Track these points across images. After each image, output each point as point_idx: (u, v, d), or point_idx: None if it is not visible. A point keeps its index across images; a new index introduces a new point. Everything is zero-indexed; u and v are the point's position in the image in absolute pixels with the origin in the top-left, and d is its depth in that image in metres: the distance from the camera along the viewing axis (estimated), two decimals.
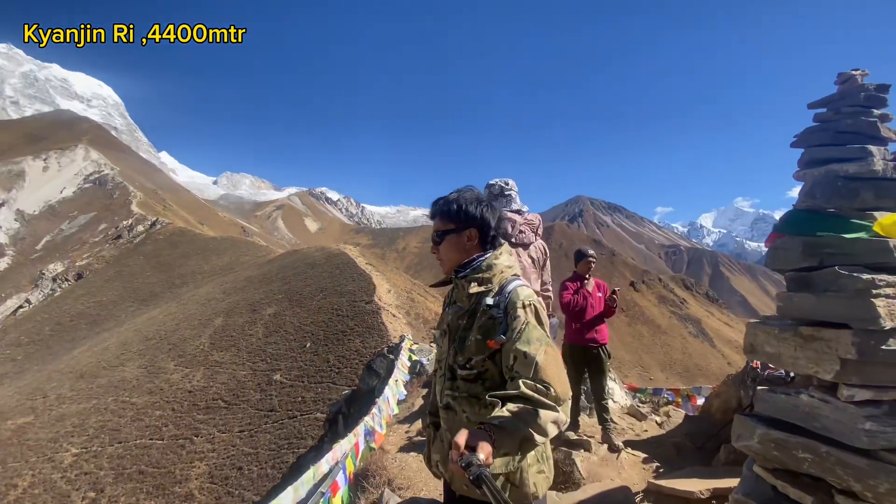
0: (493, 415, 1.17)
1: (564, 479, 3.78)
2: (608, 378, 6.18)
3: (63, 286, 42.53)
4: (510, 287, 1.45)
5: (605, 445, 4.36)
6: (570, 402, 1.28)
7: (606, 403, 4.48)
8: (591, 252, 4.54)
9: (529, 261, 2.91)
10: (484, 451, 1.03)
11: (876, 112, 1.71)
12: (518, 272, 1.56)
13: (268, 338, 19.10)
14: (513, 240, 2.82)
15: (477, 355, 1.43)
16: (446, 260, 1.55)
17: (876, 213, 1.66)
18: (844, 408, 1.53)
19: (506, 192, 2.93)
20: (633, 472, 3.98)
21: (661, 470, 3.99)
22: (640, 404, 6.95)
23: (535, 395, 1.20)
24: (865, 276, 1.53)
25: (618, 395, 6.50)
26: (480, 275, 1.49)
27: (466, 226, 1.51)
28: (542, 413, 1.18)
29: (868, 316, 1.49)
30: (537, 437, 1.16)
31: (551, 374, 1.27)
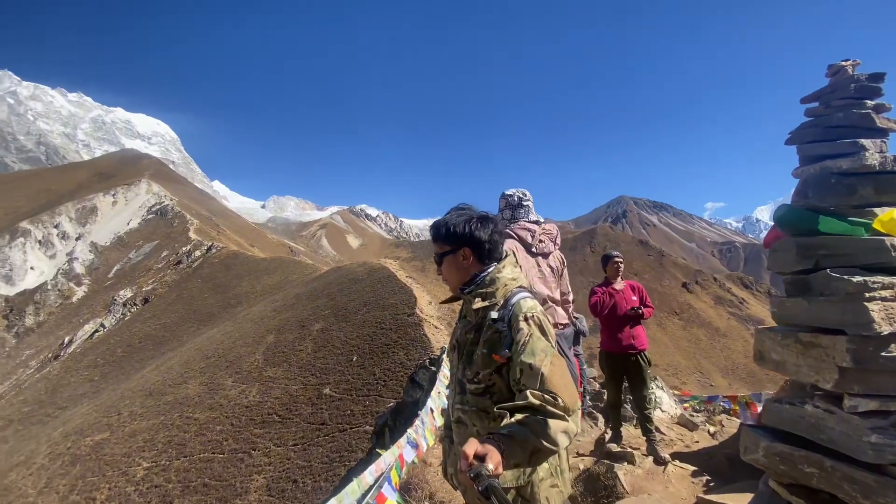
0: (502, 425, 1.17)
1: (607, 493, 3.65)
2: (654, 386, 5.93)
3: (132, 310, 45.81)
4: (514, 300, 1.45)
5: (651, 458, 4.14)
6: (579, 412, 1.30)
7: (650, 413, 4.26)
8: (615, 253, 4.44)
9: (549, 269, 2.85)
10: (493, 460, 1.01)
11: (870, 103, 1.60)
12: (524, 283, 1.57)
13: (317, 353, 19.69)
14: (533, 249, 2.77)
15: (484, 369, 1.44)
16: (449, 280, 1.60)
17: (877, 210, 1.54)
18: (849, 419, 1.42)
19: (524, 203, 2.90)
20: (680, 486, 3.75)
21: (711, 484, 3.76)
22: (694, 413, 6.54)
23: (543, 405, 1.19)
24: (857, 279, 1.42)
25: (666, 403, 6.15)
26: (484, 290, 1.50)
27: (459, 246, 1.54)
28: (551, 423, 1.17)
29: (861, 321, 1.38)
30: (547, 447, 1.14)
31: (557, 384, 1.25)
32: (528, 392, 1.23)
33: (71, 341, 42.75)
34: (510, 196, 2.91)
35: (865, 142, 1.54)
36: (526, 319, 1.38)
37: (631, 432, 4.94)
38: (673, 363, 50.94)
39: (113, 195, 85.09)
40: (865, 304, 1.38)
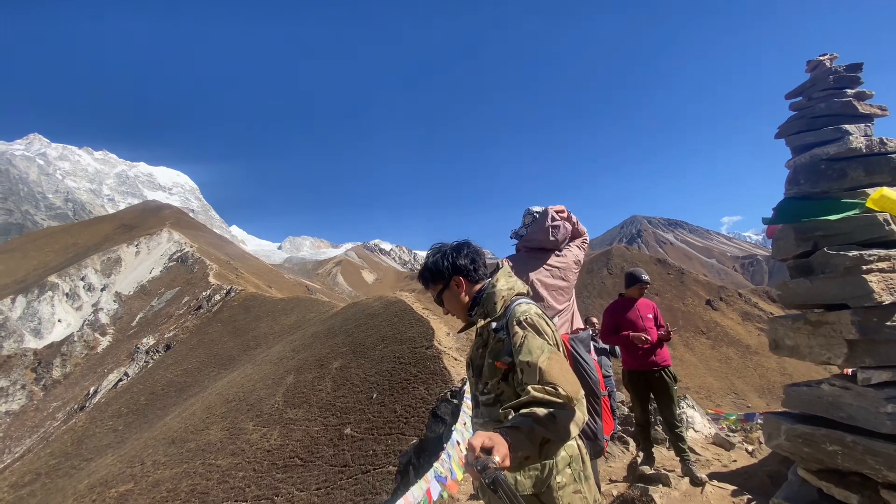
0: (507, 420, 1.18)
1: None
2: (685, 405, 5.71)
3: (155, 357, 46.30)
4: (511, 307, 1.53)
5: (687, 479, 3.96)
6: (584, 402, 1.28)
7: (682, 432, 4.09)
8: (646, 277, 4.30)
9: (559, 273, 2.70)
10: (499, 452, 1.01)
11: (850, 92, 1.65)
12: (522, 290, 1.62)
13: (336, 391, 19.49)
14: (552, 238, 2.64)
15: (491, 379, 1.50)
16: (456, 312, 1.69)
17: (868, 191, 1.56)
18: (864, 392, 1.40)
19: (535, 214, 2.81)
20: None
21: (753, 503, 3.59)
22: (730, 433, 6.24)
23: (546, 397, 1.21)
24: (853, 253, 1.44)
25: (698, 423, 5.90)
26: (483, 308, 1.60)
27: (448, 278, 1.65)
28: (555, 412, 1.18)
29: (862, 293, 1.39)
30: (556, 437, 1.14)
31: (556, 376, 1.28)
32: (529, 387, 1.26)
33: (96, 391, 43.21)
34: (533, 212, 2.84)
35: (849, 127, 1.58)
36: (519, 323, 1.43)
37: (664, 454, 4.74)
38: (705, 385, 48.95)
39: (136, 245, 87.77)
40: (864, 276, 1.40)
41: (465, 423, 5.78)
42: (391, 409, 16.24)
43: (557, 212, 2.69)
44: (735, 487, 3.90)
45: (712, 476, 4.17)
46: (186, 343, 46.99)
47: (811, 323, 1.53)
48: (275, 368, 26.34)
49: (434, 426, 6.74)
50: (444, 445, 4.62)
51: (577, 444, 1.54)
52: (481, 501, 4.66)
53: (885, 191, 1.45)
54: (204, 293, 58.57)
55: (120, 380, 44.48)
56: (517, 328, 1.43)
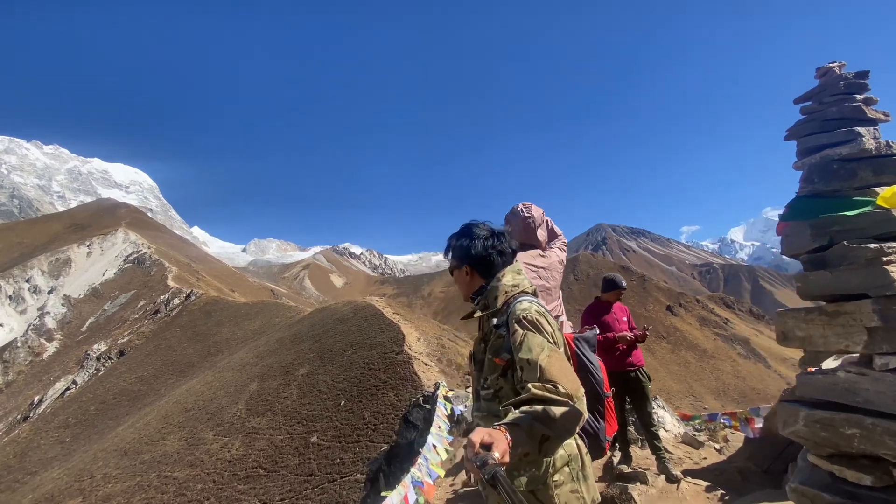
0: (507, 417, 1.18)
1: None
2: (656, 405, 5.92)
3: (106, 365, 43.88)
4: (513, 304, 1.53)
5: (663, 476, 4.12)
6: (584, 399, 1.28)
7: (657, 431, 4.27)
8: (623, 284, 4.46)
9: (559, 257, 2.80)
10: (499, 448, 1.00)
11: (859, 97, 1.75)
12: (527, 288, 1.61)
13: (302, 399, 19.00)
14: (532, 226, 2.69)
15: (491, 374, 1.51)
16: (460, 289, 1.72)
17: (877, 189, 1.66)
18: (882, 377, 1.49)
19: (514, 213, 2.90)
20: (695, 502, 3.78)
21: (726, 497, 3.78)
22: (696, 432, 6.53)
23: (546, 394, 1.21)
24: (874, 246, 1.54)
25: (669, 423, 6.17)
26: (485, 300, 1.60)
27: (461, 263, 1.66)
28: (555, 409, 1.18)
29: (883, 282, 1.49)
30: (555, 434, 1.15)
31: (556, 374, 1.28)
32: (529, 385, 1.26)
33: (41, 401, 40.50)
34: (512, 211, 2.89)
35: (861, 129, 1.69)
36: (519, 321, 1.43)
37: (638, 453, 4.90)
38: (665, 387, 50.64)
39: (88, 245, 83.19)
40: (885, 266, 1.50)
41: (439, 427, 5.76)
42: (359, 415, 15.96)
43: (524, 206, 2.77)
44: (708, 483, 4.07)
45: (686, 473, 4.33)
46: (141, 349, 44.77)
47: (827, 313, 1.61)
48: (237, 375, 25.44)
49: (405, 432, 6.67)
50: (420, 450, 4.59)
51: (577, 444, 1.53)
52: None
53: None
54: (162, 297, 56.04)
55: (68, 388, 41.86)
56: (517, 325, 1.43)
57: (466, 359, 2.10)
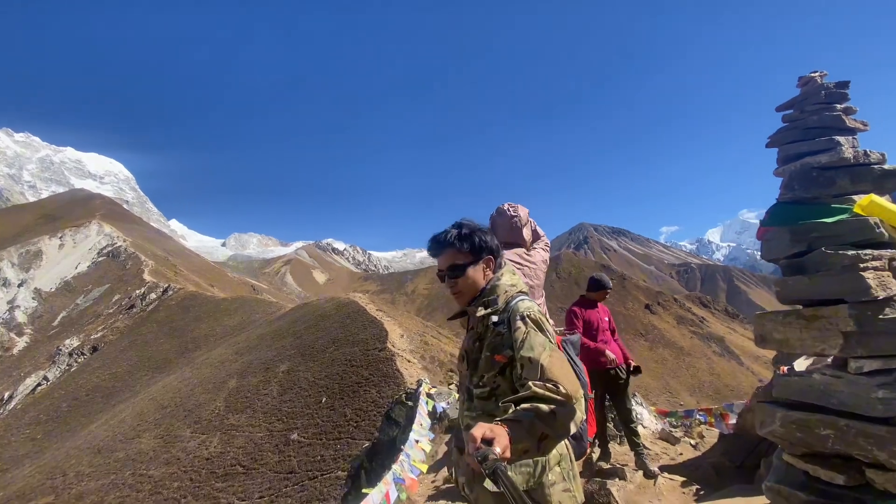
0: (508, 413, 1.17)
1: None
2: (634, 402, 6.06)
3: (79, 360, 42.66)
4: (513, 303, 1.53)
5: (641, 472, 4.22)
6: (584, 401, 1.30)
7: (635, 427, 4.37)
8: (610, 285, 4.57)
9: (544, 256, 2.85)
10: (500, 444, 1.01)
11: (839, 107, 1.81)
12: (524, 289, 1.63)
13: (282, 396, 18.82)
14: (518, 225, 2.75)
15: (488, 372, 1.49)
16: (467, 292, 1.58)
17: (854, 197, 1.73)
18: (856, 380, 1.55)
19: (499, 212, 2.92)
20: (672, 497, 3.86)
21: (701, 493, 3.88)
22: (672, 428, 6.69)
23: (546, 393, 1.22)
24: (850, 252, 1.60)
25: (647, 420, 6.32)
26: (485, 298, 1.57)
27: (483, 255, 1.59)
28: (556, 409, 1.19)
29: (860, 288, 1.54)
30: (555, 433, 1.16)
31: (557, 374, 1.29)
32: (530, 383, 1.26)
33: (11, 397, 39.19)
34: (498, 211, 2.91)
35: (840, 138, 1.74)
36: (522, 318, 1.44)
37: (617, 449, 5.01)
38: (643, 384, 51.68)
39: (60, 238, 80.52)
40: (861, 273, 1.55)
41: (421, 424, 5.79)
42: (341, 412, 15.89)
43: (509, 206, 2.82)
44: (684, 479, 4.19)
45: (662, 469, 4.45)
46: (116, 345, 43.65)
47: (805, 317, 1.66)
48: (216, 372, 25.03)
49: (387, 429, 6.68)
50: (402, 447, 4.60)
51: (566, 444, 1.56)
52: (441, 502, 4.67)
53: (875, 197, 1.61)
54: (138, 291, 54.67)
55: (39, 384, 40.59)
56: (520, 323, 1.43)
57: (457, 358, 1.96)
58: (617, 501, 3.70)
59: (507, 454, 1.01)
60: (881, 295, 1.53)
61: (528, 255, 2.76)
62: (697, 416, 8.26)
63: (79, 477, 18.41)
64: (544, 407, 1.17)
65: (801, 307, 1.72)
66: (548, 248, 2.95)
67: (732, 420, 7.03)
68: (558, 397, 1.21)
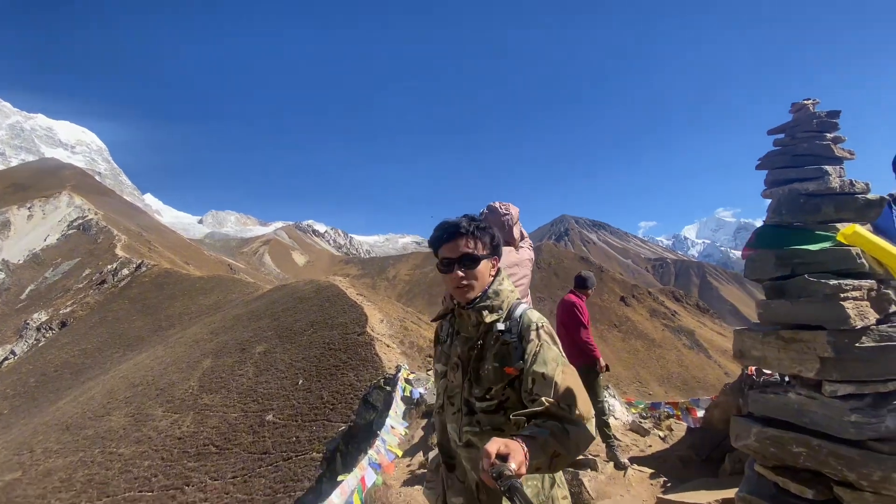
0: (522, 429, 1.15)
1: (573, 500, 3.81)
2: (607, 394, 6.29)
3: (47, 335, 41.47)
4: (519, 311, 1.47)
5: (611, 463, 4.38)
6: (594, 420, 1.27)
7: (607, 419, 4.53)
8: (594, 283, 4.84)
9: (530, 255, 2.96)
10: (516, 460, 0.98)
11: (829, 136, 1.86)
12: (520, 296, 1.59)
13: (258, 377, 18.74)
14: (508, 226, 2.84)
15: (496, 384, 1.40)
16: (479, 286, 1.47)
17: (838, 225, 1.79)
18: (830, 403, 1.62)
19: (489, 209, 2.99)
20: (641, 488, 4.03)
21: (668, 484, 4.04)
22: (642, 419, 6.96)
23: (561, 412, 1.19)
24: (833, 282, 1.65)
25: (618, 411, 6.53)
26: (490, 302, 1.47)
27: (493, 253, 1.52)
28: (569, 428, 1.17)
29: (840, 317, 1.61)
30: (567, 452, 1.13)
31: (571, 393, 1.27)
32: (542, 399, 1.22)
33: None
34: (489, 208, 2.97)
35: (828, 168, 1.81)
36: (536, 329, 1.38)
37: None
38: (614, 374, 53.08)
39: (29, 208, 77.43)
40: (841, 303, 1.61)
41: (397, 412, 5.89)
42: (318, 395, 15.94)
43: (501, 205, 2.89)
44: (652, 471, 4.36)
45: (632, 460, 4.62)
46: (86, 321, 42.53)
47: (783, 339, 1.72)
48: (190, 351, 24.71)
49: (364, 413, 6.78)
50: (378, 432, 4.68)
51: None
52: (416, 487, 4.78)
53: (858, 228, 1.63)
54: (109, 266, 53.14)
55: (5, 358, 39.38)
56: (533, 334, 1.38)
57: (439, 362, 1.65)
58: (588, 491, 3.85)
59: (523, 470, 0.99)
60: (859, 324, 1.59)
61: (517, 255, 2.84)
62: (665, 409, 8.56)
63: (46, 453, 18.08)
64: (558, 425, 1.15)
65: (780, 328, 1.78)
66: (532, 248, 3.04)
67: (699, 414, 7.32)
68: (572, 417, 1.20)
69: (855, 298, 1.63)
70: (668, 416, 7.99)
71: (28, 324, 43.38)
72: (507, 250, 2.74)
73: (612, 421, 6.07)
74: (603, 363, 4.48)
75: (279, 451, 14.16)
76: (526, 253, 2.92)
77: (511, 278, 2.78)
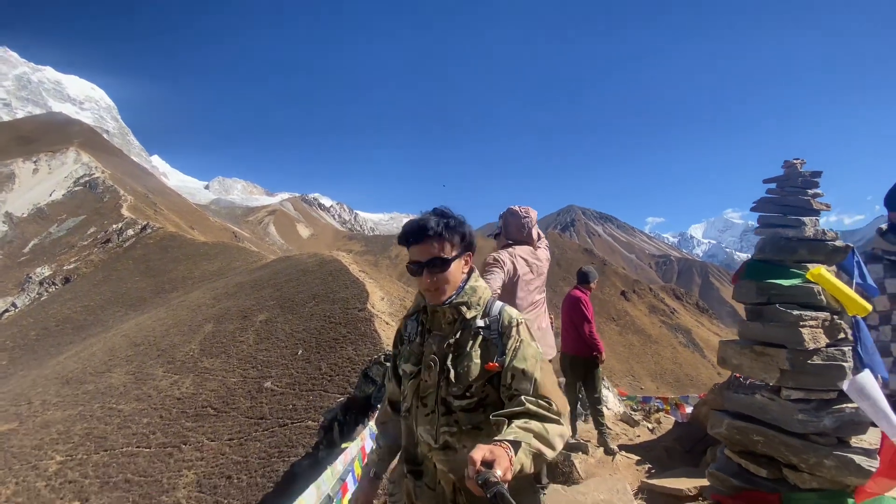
0: (504, 432, 1.14)
1: (564, 479, 4.11)
2: (602, 386, 6.48)
3: (50, 290, 41.93)
4: (496, 308, 1.45)
5: (601, 448, 4.70)
6: (569, 415, 1.30)
7: (601, 408, 4.84)
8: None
9: (547, 255, 3.20)
10: (501, 466, 0.98)
11: (810, 192, 2.31)
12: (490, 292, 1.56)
13: (259, 345, 18.95)
14: (527, 229, 3.08)
15: (477, 381, 1.38)
16: (451, 288, 1.43)
17: (809, 265, 2.21)
18: (785, 404, 2.08)
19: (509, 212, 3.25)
20: (627, 472, 4.27)
21: (652, 471, 4.30)
22: (633, 411, 7.17)
23: (540, 411, 1.21)
24: (796, 312, 2.10)
25: (611, 402, 6.83)
26: (467, 298, 1.45)
27: (466, 251, 1.46)
28: (549, 426, 1.18)
29: (797, 340, 2.05)
30: (548, 452, 1.15)
31: (549, 390, 1.29)
32: (522, 398, 1.24)
33: None
34: (509, 211, 3.23)
35: (806, 219, 2.27)
36: (517, 326, 1.39)
37: (582, 427, 5.52)
38: (608, 366, 53.56)
39: (35, 162, 77.46)
40: (800, 329, 2.06)
41: None
42: (316, 366, 16.13)
43: (521, 208, 3.17)
44: (639, 458, 4.62)
45: (621, 447, 4.90)
46: (89, 278, 42.94)
47: (755, 352, 2.21)
48: (192, 315, 24.96)
49: (364, 386, 6.87)
50: (378, 405, 4.73)
51: None
52: None
53: (822, 270, 2.07)
54: (115, 226, 53.40)
55: (6, 310, 39.92)
56: (514, 330, 1.38)
57: (408, 362, 1.48)
58: (578, 472, 4.14)
59: (509, 476, 0.99)
60: (812, 346, 2.03)
61: (535, 253, 3.10)
62: (655, 403, 8.84)
63: (45, 406, 18.44)
64: (539, 425, 1.16)
65: (754, 344, 2.23)
66: (548, 247, 3.30)
67: (687, 410, 7.53)
68: (551, 415, 1.21)
69: (811, 326, 2.07)
70: (658, 410, 8.25)
71: (31, 277, 43.83)
72: (527, 249, 3.05)
73: (604, 411, 6.33)
74: (604, 356, 4.76)
75: (275, 417, 14.40)
76: (544, 253, 3.17)
77: (538, 280, 3.09)
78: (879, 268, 2.39)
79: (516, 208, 3.14)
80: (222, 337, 20.52)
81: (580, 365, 4.76)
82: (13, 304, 40.40)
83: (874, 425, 1.91)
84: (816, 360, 2.00)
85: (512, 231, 3.06)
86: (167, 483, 12.85)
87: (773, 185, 2.44)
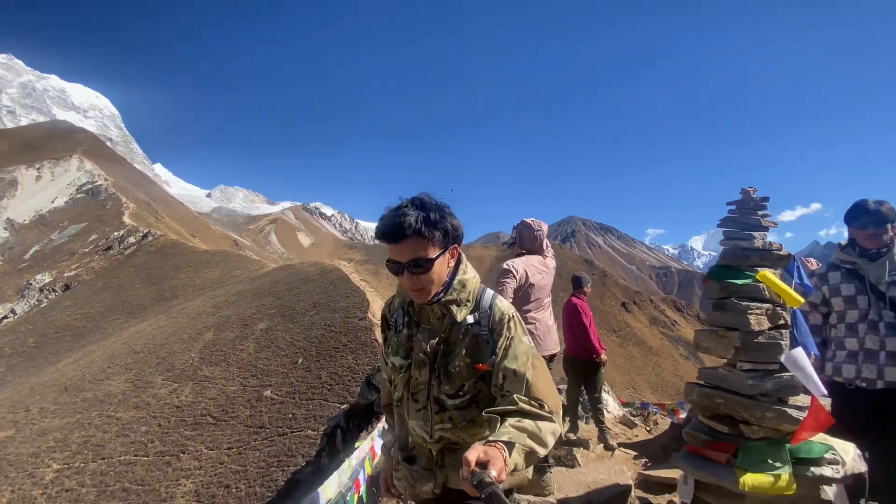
0: (498, 431, 1.15)
1: (567, 471, 4.34)
2: (604, 390, 6.84)
3: (50, 297, 41.87)
4: (487, 300, 1.40)
5: (602, 445, 5.06)
6: (561, 413, 1.31)
7: (602, 408, 5.21)
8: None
9: (554, 264, 3.55)
10: (495, 467, 0.99)
11: (760, 213, 2.86)
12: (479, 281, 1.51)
13: (259, 353, 18.90)
14: (540, 241, 3.46)
15: (468, 380, 1.36)
16: (436, 286, 1.34)
17: (759, 269, 2.71)
18: (739, 374, 2.63)
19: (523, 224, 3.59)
20: (625, 466, 4.50)
21: (649, 465, 4.66)
22: (632, 416, 7.44)
23: (533, 410, 1.22)
24: (745, 303, 2.62)
25: (612, 406, 7.37)
26: (457, 295, 1.38)
27: (449, 244, 1.35)
28: (541, 425, 1.19)
29: (745, 324, 2.65)
30: (540, 450, 1.16)
31: (542, 389, 1.28)
32: (514, 397, 1.24)
33: None
34: (523, 223, 3.56)
35: (756, 234, 2.83)
36: (508, 321, 1.35)
37: (583, 426, 5.89)
38: (608, 378, 53.07)
39: (38, 169, 77.85)
40: (748, 315, 2.59)
41: None
42: (316, 374, 16.08)
43: (533, 221, 3.51)
44: (636, 454, 4.99)
45: (620, 445, 5.31)
46: (90, 285, 42.90)
47: (718, 336, 2.75)
48: (192, 323, 24.91)
49: (367, 393, 6.90)
50: (382, 412, 4.87)
51: None
52: None
53: (767, 273, 2.60)
54: (116, 233, 53.47)
55: (5, 317, 39.83)
56: (505, 328, 1.34)
57: (396, 356, 1.43)
58: (580, 465, 4.47)
59: (503, 476, 1.00)
60: (756, 328, 2.56)
61: (544, 262, 3.43)
62: (653, 409, 9.13)
63: (43, 413, 18.32)
64: (532, 424, 1.17)
65: (717, 329, 2.75)
66: (554, 257, 3.64)
67: (682, 415, 7.84)
68: (544, 414, 1.22)
69: (757, 314, 2.61)
70: (655, 415, 8.50)
71: (31, 284, 43.82)
72: (538, 258, 3.39)
73: (605, 413, 6.64)
74: (604, 358, 5.09)
75: (275, 426, 14.32)
76: (551, 262, 3.54)
77: (547, 285, 3.40)
78: (838, 275, 2.80)
79: (530, 221, 3.50)
80: (222, 345, 20.46)
81: (581, 367, 5.08)
82: (12, 311, 40.34)
83: (806, 390, 2.39)
84: (761, 340, 2.56)
85: (526, 242, 3.43)
86: (165, 492, 12.73)
87: (733, 207, 3.04)
